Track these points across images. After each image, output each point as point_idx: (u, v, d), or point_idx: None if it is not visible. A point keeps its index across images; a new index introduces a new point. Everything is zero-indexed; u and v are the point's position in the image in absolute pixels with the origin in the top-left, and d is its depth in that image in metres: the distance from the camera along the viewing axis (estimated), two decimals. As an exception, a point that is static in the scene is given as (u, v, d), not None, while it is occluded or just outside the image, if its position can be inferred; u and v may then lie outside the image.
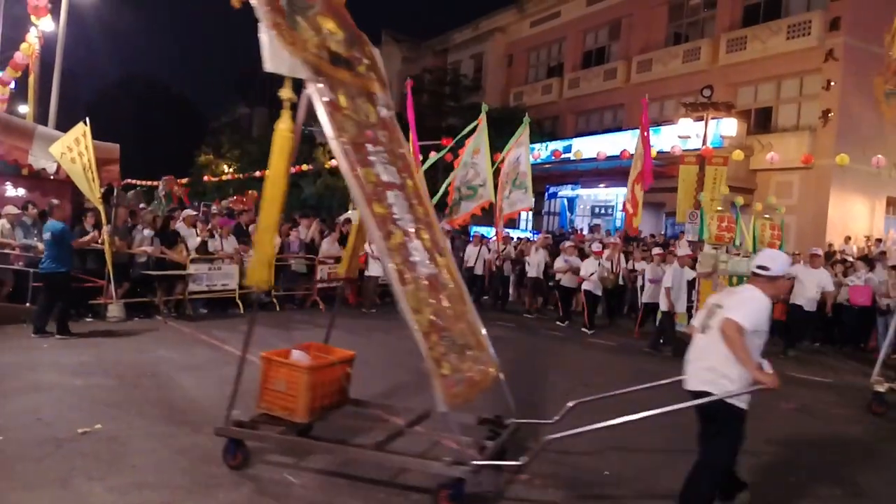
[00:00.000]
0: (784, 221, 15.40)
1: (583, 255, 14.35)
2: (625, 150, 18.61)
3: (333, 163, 29.33)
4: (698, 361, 4.40)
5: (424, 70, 34.80)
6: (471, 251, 16.45)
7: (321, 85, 4.69)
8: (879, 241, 19.14)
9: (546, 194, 28.66)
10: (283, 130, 4.69)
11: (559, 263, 13.94)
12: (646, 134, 14.68)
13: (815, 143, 20.19)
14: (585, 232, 21.86)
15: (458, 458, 4.48)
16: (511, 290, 17.81)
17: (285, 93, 4.62)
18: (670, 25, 26.39)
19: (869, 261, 13.16)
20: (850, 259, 14.47)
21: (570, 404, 5.26)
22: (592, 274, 13.08)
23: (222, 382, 7.17)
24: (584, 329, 12.97)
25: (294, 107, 4.68)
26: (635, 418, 4.34)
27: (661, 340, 11.28)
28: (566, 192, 28.34)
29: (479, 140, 14.59)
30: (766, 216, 13.73)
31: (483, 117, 14.67)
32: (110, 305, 10.54)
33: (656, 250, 13.34)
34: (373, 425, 5.76)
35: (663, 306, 11.20)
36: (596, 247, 13.94)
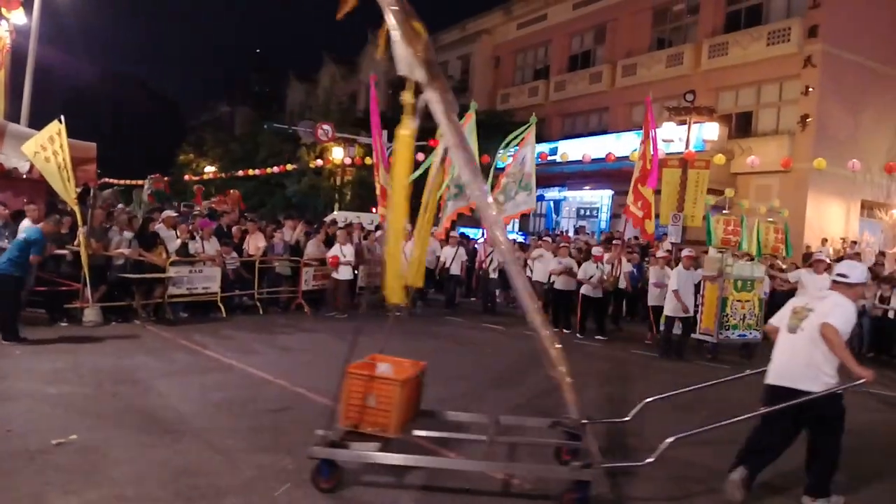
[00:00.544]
0: (787, 225, 15.45)
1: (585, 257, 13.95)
2: (610, 153, 18.66)
3: (318, 162, 29.30)
4: (792, 360, 4.87)
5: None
6: (448, 252, 15.95)
7: (436, 91, 4.60)
8: (854, 243, 19.45)
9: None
10: (405, 136, 4.60)
11: (552, 265, 13.57)
12: (652, 133, 14.22)
13: (793, 148, 20.43)
14: (571, 234, 21.84)
15: (580, 461, 4.69)
16: (498, 293, 17.80)
17: (407, 97, 4.56)
18: (654, 30, 26.48)
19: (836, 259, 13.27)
20: (828, 261, 14.57)
21: (646, 401, 5.51)
22: (591, 277, 12.67)
23: (204, 389, 7.06)
24: (577, 334, 12.67)
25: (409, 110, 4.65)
26: (748, 417, 4.88)
27: (668, 344, 11.18)
28: (552, 194, 28.35)
29: (467, 139, 14.50)
30: (770, 220, 13.81)
31: (472, 114, 14.63)
32: (86, 309, 10.29)
33: (660, 253, 13.13)
34: (453, 435, 5.61)
35: (668, 310, 11.08)
36: (596, 251, 13.41)
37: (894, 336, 12.29)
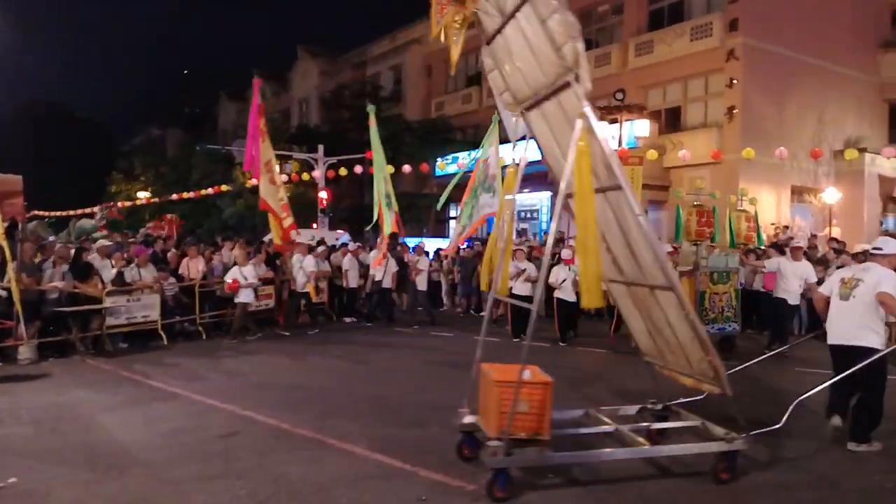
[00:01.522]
0: (756, 213, 15.67)
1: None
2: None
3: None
4: (849, 322, 5.96)
5: (340, 86, 34.63)
6: (378, 266, 14.65)
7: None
8: (786, 227, 20.13)
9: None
10: (583, 147, 4.67)
11: (510, 270, 12.76)
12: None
13: (722, 139, 21.06)
14: (514, 237, 22.03)
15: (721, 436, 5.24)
16: (445, 299, 17.90)
17: (583, 108, 4.69)
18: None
19: (779, 247, 13.67)
20: (762, 247, 15.04)
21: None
22: (564, 281, 12.05)
23: (149, 420, 6.89)
24: (560, 343, 11.99)
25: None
26: (829, 383, 5.95)
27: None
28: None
29: (374, 142, 14.24)
30: (741, 209, 13.85)
31: (372, 118, 14.37)
32: (21, 347, 9.92)
33: None
34: (580, 429, 5.89)
35: None
36: (566, 254, 12.66)
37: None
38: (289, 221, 13.29)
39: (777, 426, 5.59)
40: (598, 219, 5.00)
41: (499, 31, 5.32)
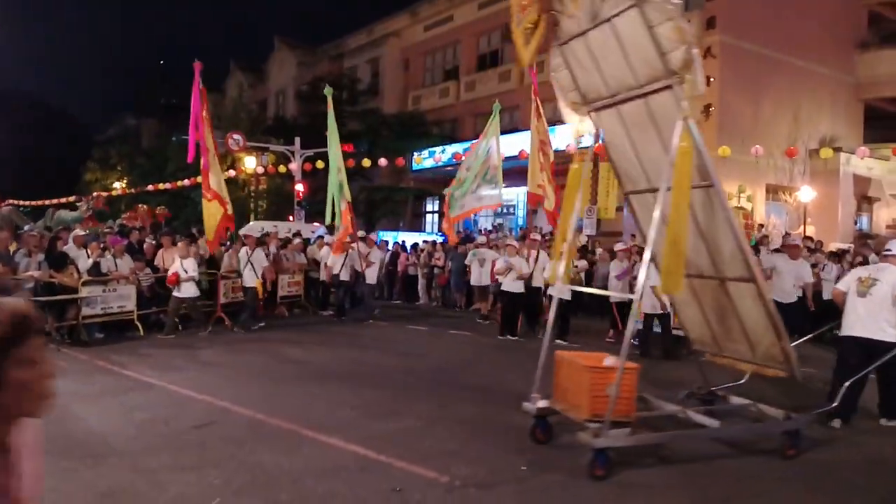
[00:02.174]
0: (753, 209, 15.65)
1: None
2: (522, 150, 19.03)
3: (231, 172, 28.76)
4: (864, 317, 6.57)
5: (317, 78, 34.49)
6: (336, 258, 14.48)
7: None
8: (762, 226, 20.40)
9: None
10: (686, 147, 5.02)
11: (499, 265, 12.43)
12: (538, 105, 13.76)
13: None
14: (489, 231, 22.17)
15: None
16: (421, 294, 17.97)
17: (691, 106, 5.02)
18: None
19: (754, 245, 13.91)
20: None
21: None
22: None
23: (125, 410, 6.92)
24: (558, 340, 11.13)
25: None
26: (869, 370, 6.49)
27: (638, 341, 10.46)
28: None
29: (330, 129, 14.06)
30: (738, 206, 13.24)
31: (330, 102, 14.28)
32: (-5, 337, 9.87)
33: (619, 245, 12.47)
34: (643, 413, 6.04)
35: (647, 307, 10.24)
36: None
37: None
38: (229, 210, 13.12)
39: (833, 405, 6.30)
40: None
41: (581, 33, 5.58)
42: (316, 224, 22.81)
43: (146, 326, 11.83)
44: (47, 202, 31.57)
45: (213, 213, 12.93)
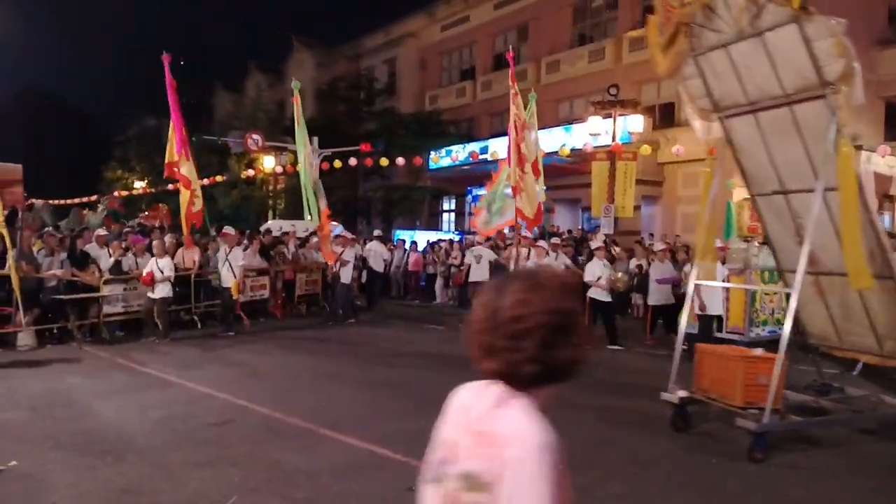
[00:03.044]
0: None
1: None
2: (540, 149, 18.98)
3: (250, 172, 28.98)
4: None
5: (336, 77, 34.62)
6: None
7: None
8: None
9: (467, 195, 28.99)
10: (848, 152, 5.41)
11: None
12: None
13: (717, 136, 21.05)
14: (507, 232, 22.15)
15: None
16: (438, 293, 17.99)
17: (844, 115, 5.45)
18: (575, 27, 27.05)
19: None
20: (757, 244, 15.15)
21: None
22: (599, 279, 11.12)
23: (144, 407, 7.00)
24: (611, 346, 10.98)
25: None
26: None
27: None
28: (484, 192, 28.72)
29: (300, 126, 13.40)
30: (746, 198, 12.48)
31: (297, 95, 13.43)
32: (20, 333, 10.05)
33: (659, 245, 12.08)
34: None
35: (698, 308, 9.70)
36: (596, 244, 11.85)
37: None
38: (198, 206, 12.63)
39: None
40: (803, 214, 6.09)
41: (723, 45, 5.97)
42: (333, 223, 22.92)
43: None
44: (69, 202, 31.89)
45: (184, 201, 12.54)
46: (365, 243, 17.89)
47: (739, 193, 14.93)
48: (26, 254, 10.57)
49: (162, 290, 11.17)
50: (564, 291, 1.53)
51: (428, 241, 20.27)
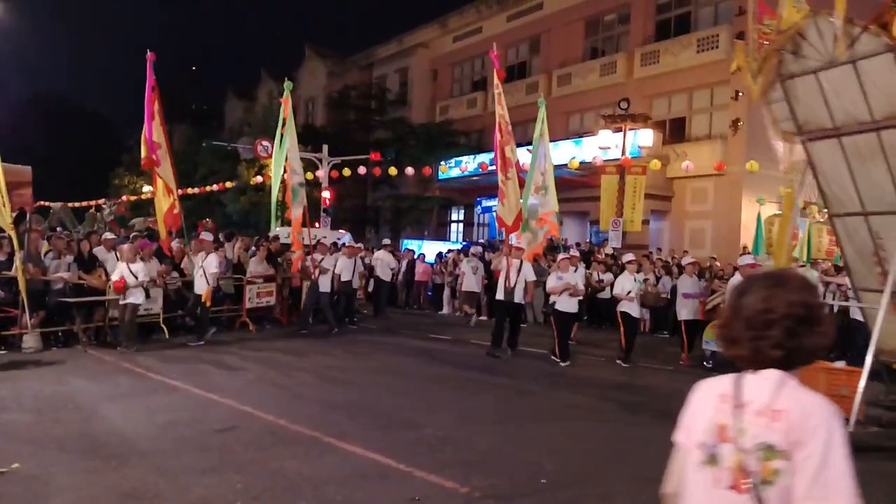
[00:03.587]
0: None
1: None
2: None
3: (259, 178, 29.08)
4: None
5: (348, 86, 34.78)
6: (345, 263, 14.32)
7: None
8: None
9: (476, 206, 29.03)
10: None
11: (552, 282, 11.15)
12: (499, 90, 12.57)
13: (726, 151, 21.05)
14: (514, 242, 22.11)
15: None
16: (445, 303, 17.98)
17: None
18: (587, 40, 27.11)
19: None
20: (802, 263, 15.02)
21: None
22: (629, 293, 10.84)
23: (149, 411, 6.99)
24: (619, 361, 10.88)
25: None
26: None
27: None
28: (493, 203, 28.73)
29: (289, 127, 13.19)
30: (821, 220, 12.35)
31: (287, 97, 13.20)
32: (25, 336, 10.06)
33: (687, 259, 11.68)
34: None
35: None
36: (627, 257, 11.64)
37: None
38: (176, 209, 12.52)
39: None
40: (884, 235, 6.49)
41: (813, 71, 6.32)
42: (341, 231, 22.96)
43: (171, 330, 11.96)
44: (84, 204, 32.02)
45: (162, 206, 12.44)
46: (372, 252, 17.90)
47: (769, 210, 14.86)
48: (33, 256, 10.60)
49: (134, 297, 10.59)
50: (806, 288, 1.81)
51: (439, 252, 20.26)
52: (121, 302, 10.59)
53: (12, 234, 9.84)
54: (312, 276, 13.27)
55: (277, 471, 5.30)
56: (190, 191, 30.57)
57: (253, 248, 14.57)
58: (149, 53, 12.10)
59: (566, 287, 10.79)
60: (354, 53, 40.13)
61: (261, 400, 7.55)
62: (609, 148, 19.67)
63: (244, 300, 13.23)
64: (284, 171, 13.40)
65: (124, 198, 36.91)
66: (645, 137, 20.49)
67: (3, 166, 9.66)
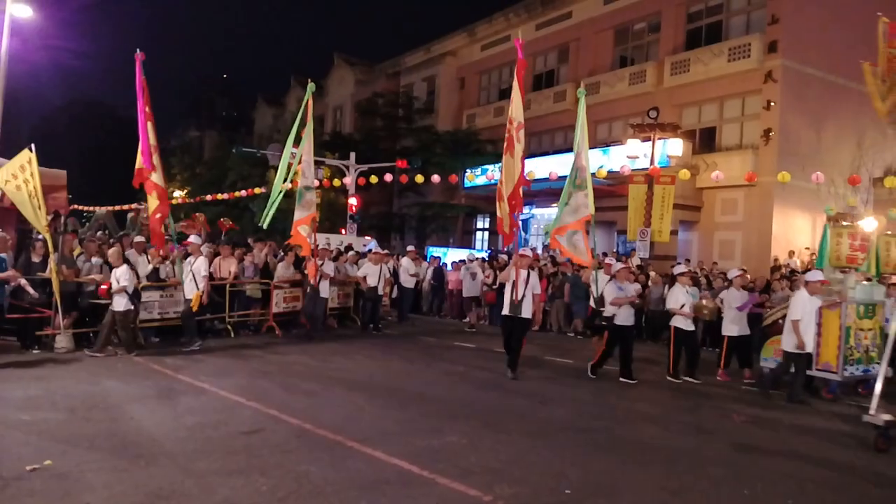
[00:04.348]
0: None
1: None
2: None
3: (287, 185, 29.35)
4: None
5: (376, 94, 35.01)
6: (371, 269, 14.58)
7: None
8: (812, 253, 19.77)
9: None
10: None
11: (611, 292, 10.38)
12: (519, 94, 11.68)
13: (757, 162, 20.79)
14: (539, 251, 22.08)
15: None
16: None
17: None
18: (616, 49, 27.00)
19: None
20: (798, 272, 14.90)
21: None
22: (683, 306, 10.42)
23: (177, 413, 7.08)
24: (669, 377, 10.41)
25: None
26: None
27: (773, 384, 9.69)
28: (526, 211, 28.73)
29: (308, 126, 12.83)
30: (889, 233, 11.83)
31: (309, 97, 13.00)
32: (58, 336, 10.25)
33: (734, 272, 11.31)
34: None
35: (789, 346, 9.27)
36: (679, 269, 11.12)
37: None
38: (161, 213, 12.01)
39: None
40: None
41: None
42: (367, 237, 23.10)
43: (200, 332, 12.07)
44: (126, 208, 32.53)
45: (153, 209, 12.09)
46: (398, 259, 17.97)
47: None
48: (67, 258, 10.81)
49: (118, 303, 10.19)
50: None
51: (454, 261, 20.24)
52: (110, 308, 10.30)
53: (47, 236, 10.04)
54: (313, 282, 13.19)
55: (302, 474, 5.33)
56: (219, 196, 30.95)
57: (281, 252, 14.73)
58: (138, 53, 11.68)
59: (630, 299, 10.37)
60: (382, 62, 40.40)
61: (286, 403, 7.61)
62: (637, 157, 19.53)
63: (271, 304, 13.36)
64: (295, 174, 13.26)
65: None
66: (674, 147, 20.34)
67: (40, 170, 9.86)
